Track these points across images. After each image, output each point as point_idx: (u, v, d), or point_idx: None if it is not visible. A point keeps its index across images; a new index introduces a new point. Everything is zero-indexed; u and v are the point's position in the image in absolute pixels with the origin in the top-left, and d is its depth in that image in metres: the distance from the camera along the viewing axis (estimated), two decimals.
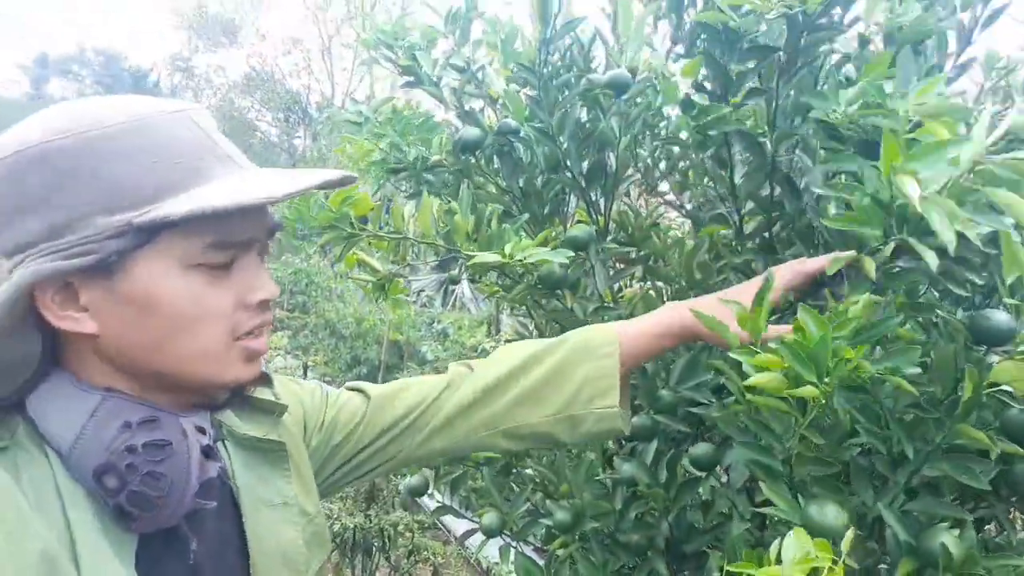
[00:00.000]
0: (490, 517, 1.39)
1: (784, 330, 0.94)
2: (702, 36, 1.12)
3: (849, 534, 0.83)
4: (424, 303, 8.65)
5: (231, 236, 0.75)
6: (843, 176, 1.15)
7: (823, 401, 0.84)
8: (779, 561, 0.80)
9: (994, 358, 0.96)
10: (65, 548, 0.70)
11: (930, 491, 1.01)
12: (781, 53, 1.09)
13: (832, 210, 1.05)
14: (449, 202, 1.36)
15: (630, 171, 1.50)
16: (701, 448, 1.19)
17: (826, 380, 0.82)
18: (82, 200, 0.70)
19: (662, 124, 1.42)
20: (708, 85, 1.15)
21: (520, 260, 1.20)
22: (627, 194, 1.61)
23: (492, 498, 1.44)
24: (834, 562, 0.78)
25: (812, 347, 0.82)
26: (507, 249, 1.21)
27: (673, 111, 1.38)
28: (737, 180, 1.26)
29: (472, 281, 1.65)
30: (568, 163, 1.41)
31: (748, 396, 0.89)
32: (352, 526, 4.35)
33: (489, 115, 1.60)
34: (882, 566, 1.05)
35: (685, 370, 1.26)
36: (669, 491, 1.25)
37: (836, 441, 0.96)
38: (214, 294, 0.75)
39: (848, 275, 0.94)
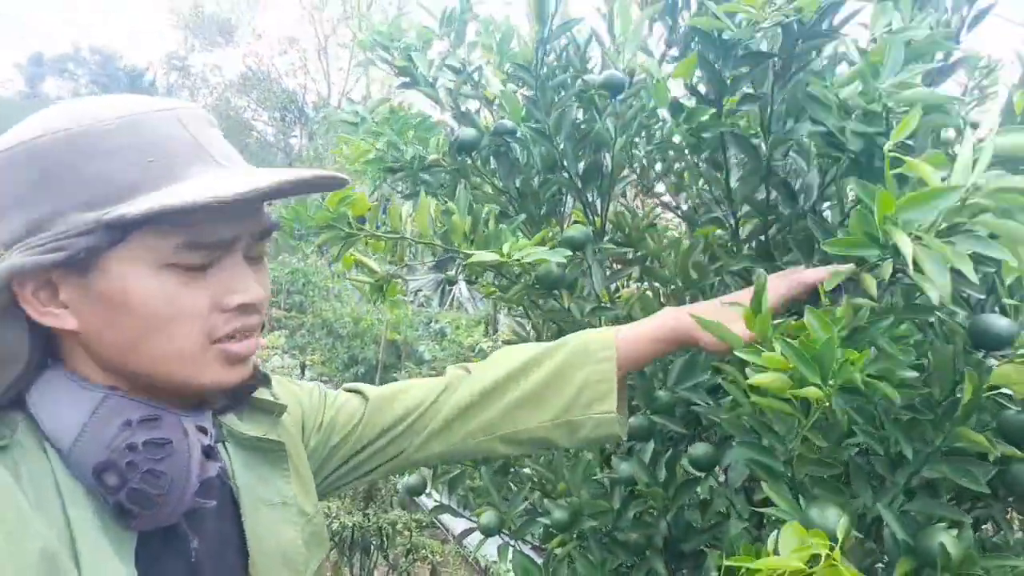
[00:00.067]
0: (488, 516, 1.40)
1: None
2: (696, 40, 1.12)
3: (844, 523, 0.83)
4: (421, 303, 8.65)
5: (203, 236, 0.73)
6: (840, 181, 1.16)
7: (827, 403, 0.85)
8: (776, 553, 0.80)
9: (992, 361, 0.96)
10: (65, 546, 0.70)
11: (928, 491, 1.01)
12: (776, 59, 1.09)
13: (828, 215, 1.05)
14: (446, 202, 1.36)
15: (626, 172, 1.51)
16: (700, 448, 1.19)
17: (830, 383, 0.82)
18: (61, 197, 0.71)
19: (657, 126, 1.42)
20: (702, 89, 1.15)
21: (518, 260, 1.20)
22: (623, 195, 1.61)
23: (490, 497, 1.44)
24: (831, 548, 0.79)
25: (818, 349, 0.82)
26: (505, 249, 1.21)
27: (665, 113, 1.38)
28: (732, 183, 1.26)
29: (469, 282, 1.65)
30: (565, 163, 1.41)
31: (752, 397, 0.89)
32: (350, 525, 4.35)
33: (485, 116, 1.60)
34: (879, 566, 1.05)
35: (682, 371, 1.26)
36: (668, 490, 1.25)
37: (834, 441, 0.96)
38: (188, 295, 0.74)
39: (847, 288, 0.94)
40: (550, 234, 1.39)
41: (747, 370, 0.90)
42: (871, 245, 0.83)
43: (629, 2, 1.29)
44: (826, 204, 1.22)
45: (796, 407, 0.88)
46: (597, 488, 1.37)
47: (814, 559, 0.79)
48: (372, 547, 4.59)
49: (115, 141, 0.72)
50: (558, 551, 1.38)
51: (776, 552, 0.81)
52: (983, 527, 1.16)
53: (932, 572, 0.93)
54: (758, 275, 0.91)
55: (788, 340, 0.83)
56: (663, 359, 1.26)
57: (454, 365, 1.14)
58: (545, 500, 1.40)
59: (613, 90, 1.29)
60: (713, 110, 1.10)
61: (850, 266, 0.93)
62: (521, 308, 1.66)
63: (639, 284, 1.53)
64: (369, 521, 4.41)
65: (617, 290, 1.58)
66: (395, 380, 1.17)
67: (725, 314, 0.96)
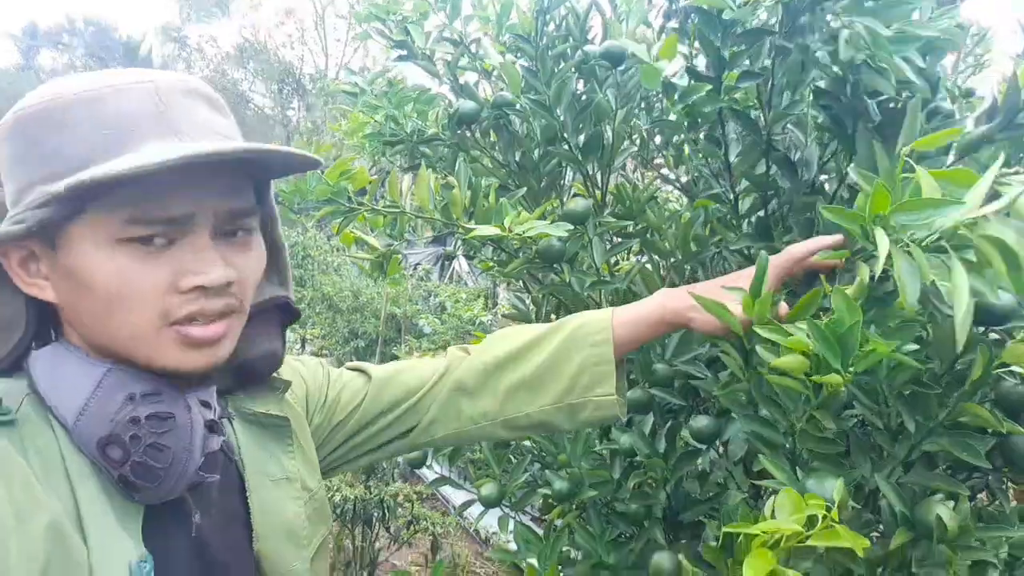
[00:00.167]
0: (488, 488, 1.41)
1: (781, 311, 0.94)
2: (693, 17, 1.11)
3: (840, 486, 0.84)
4: (421, 277, 8.65)
5: (150, 211, 0.71)
6: (839, 154, 1.16)
7: (843, 389, 0.84)
8: (773, 518, 0.81)
9: (993, 336, 0.96)
10: (72, 520, 0.71)
11: (925, 463, 1.02)
12: (776, 36, 1.09)
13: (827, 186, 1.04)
14: (446, 176, 1.35)
15: (626, 144, 1.50)
16: (702, 421, 1.20)
17: (851, 368, 0.81)
18: (30, 170, 0.72)
19: (658, 98, 1.41)
20: (700, 65, 1.14)
21: (519, 234, 1.19)
22: (623, 167, 1.60)
23: (491, 470, 1.45)
24: (828, 509, 0.79)
25: (843, 332, 0.80)
26: (506, 223, 1.21)
27: None
28: (732, 159, 1.25)
29: (468, 257, 1.65)
30: (565, 135, 1.41)
31: (765, 374, 0.89)
32: (352, 497, 4.39)
33: (484, 88, 1.59)
34: (875, 535, 1.06)
35: (680, 344, 1.27)
36: (668, 461, 1.26)
37: (834, 412, 0.97)
38: (143, 273, 0.72)
39: (841, 274, 0.95)
40: (550, 208, 1.38)
41: (758, 348, 0.90)
42: (863, 238, 0.83)
43: None
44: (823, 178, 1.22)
45: (808, 386, 0.87)
46: (597, 460, 1.38)
47: (811, 522, 0.80)
48: (374, 519, 4.63)
49: (73, 116, 0.72)
50: (558, 522, 1.39)
51: (773, 517, 0.82)
52: (978, 496, 1.16)
53: (928, 543, 0.94)
54: (760, 259, 0.90)
55: (816, 322, 0.82)
56: None
57: (455, 346, 1.14)
58: (546, 472, 1.41)
59: (614, 61, 1.28)
60: (709, 86, 1.09)
61: (844, 252, 0.93)
62: (520, 282, 1.66)
63: (639, 257, 1.53)
64: (371, 494, 4.44)
65: (617, 263, 1.58)
66: (395, 354, 1.17)
67: (723, 296, 0.96)
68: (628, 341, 1.04)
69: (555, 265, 1.34)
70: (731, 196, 1.30)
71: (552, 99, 1.38)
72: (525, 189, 1.47)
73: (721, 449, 1.33)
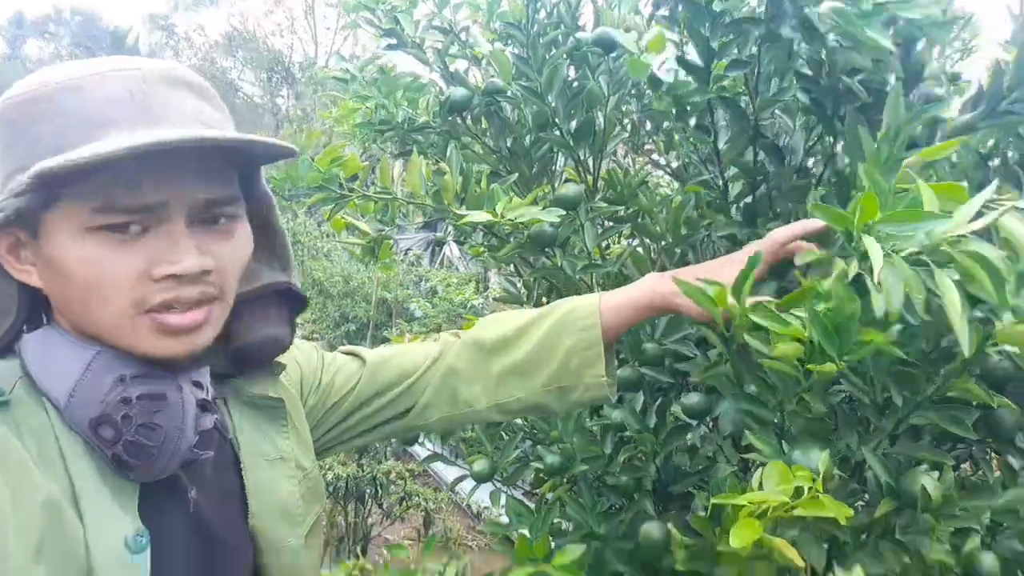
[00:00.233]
0: (480, 463, 1.42)
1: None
2: (681, 7, 1.12)
3: (825, 457, 0.86)
4: (412, 262, 8.64)
5: (118, 199, 0.71)
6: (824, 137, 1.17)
7: (835, 377, 0.85)
8: (760, 489, 0.83)
9: (977, 313, 0.98)
10: (68, 499, 0.72)
11: (911, 435, 1.04)
12: (764, 25, 1.10)
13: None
14: (437, 162, 1.36)
15: (618, 130, 1.51)
16: (694, 398, 1.21)
17: (845, 358, 0.82)
18: (16, 157, 0.73)
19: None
20: (691, 53, 1.16)
21: (511, 220, 1.21)
22: (615, 153, 1.62)
23: (482, 447, 1.47)
24: (813, 480, 0.82)
25: (841, 321, 0.81)
26: (498, 209, 1.23)
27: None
28: (721, 146, 1.27)
29: (458, 242, 1.66)
30: (556, 122, 1.42)
31: (759, 359, 0.91)
32: (345, 475, 4.41)
33: (474, 75, 1.60)
34: (860, 504, 1.08)
35: (670, 324, 1.29)
36: (658, 436, 1.28)
37: (821, 389, 0.98)
38: (115, 261, 0.72)
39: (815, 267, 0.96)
40: (542, 193, 1.40)
41: (748, 341, 0.91)
42: (847, 240, 0.84)
43: None
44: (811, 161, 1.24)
45: (800, 371, 0.89)
46: (589, 436, 1.40)
47: (797, 493, 0.82)
48: (367, 496, 4.66)
49: (51, 105, 0.72)
50: (549, 495, 1.41)
51: (760, 488, 0.84)
52: (962, 466, 1.19)
53: (913, 511, 0.97)
54: (751, 259, 0.91)
55: (816, 311, 0.82)
56: None
57: (448, 331, 1.16)
58: (537, 447, 1.43)
59: (607, 47, 1.30)
60: (695, 84, 1.10)
61: (824, 252, 0.94)
62: (512, 266, 1.67)
63: (630, 241, 1.54)
64: (363, 471, 4.47)
65: (608, 247, 1.60)
66: (386, 337, 1.19)
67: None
68: (616, 325, 1.06)
69: (547, 249, 1.35)
70: (720, 182, 1.32)
71: (544, 86, 1.39)
72: (517, 175, 1.48)
73: (711, 424, 1.35)
